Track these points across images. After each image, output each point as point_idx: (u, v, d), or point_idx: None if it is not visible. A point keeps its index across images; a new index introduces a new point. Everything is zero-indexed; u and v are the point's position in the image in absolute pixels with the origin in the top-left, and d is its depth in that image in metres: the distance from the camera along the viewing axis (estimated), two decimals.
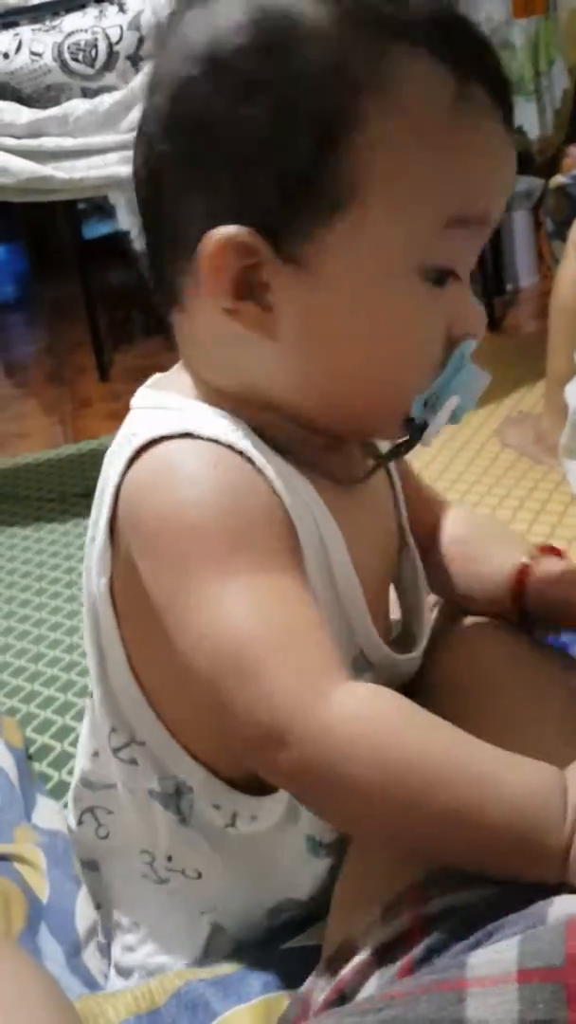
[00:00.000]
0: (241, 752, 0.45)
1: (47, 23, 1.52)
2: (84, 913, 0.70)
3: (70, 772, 1.00)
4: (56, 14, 1.53)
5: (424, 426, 0.50)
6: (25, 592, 1.49)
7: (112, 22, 1.49)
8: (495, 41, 2.23)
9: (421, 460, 1.70)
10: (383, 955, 0.42)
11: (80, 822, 0.63)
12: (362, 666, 0.57)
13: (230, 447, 0.47)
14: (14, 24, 1.54)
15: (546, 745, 0.44)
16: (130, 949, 0.62)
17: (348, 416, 0.51)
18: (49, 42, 1.49)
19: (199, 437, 0.46)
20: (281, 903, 0.59)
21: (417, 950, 0.40)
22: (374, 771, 0.40)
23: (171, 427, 0.47)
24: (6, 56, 1.50)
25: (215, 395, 0.50)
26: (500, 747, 0.42)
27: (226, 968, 0.56)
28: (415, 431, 0.51)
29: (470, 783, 0.40)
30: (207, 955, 0.60)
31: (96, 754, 0.60)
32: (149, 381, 0.55)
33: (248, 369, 0.49)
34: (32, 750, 1.07)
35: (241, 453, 0.47)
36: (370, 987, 0.42)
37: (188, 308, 0.49)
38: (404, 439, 0.53)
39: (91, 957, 0.69)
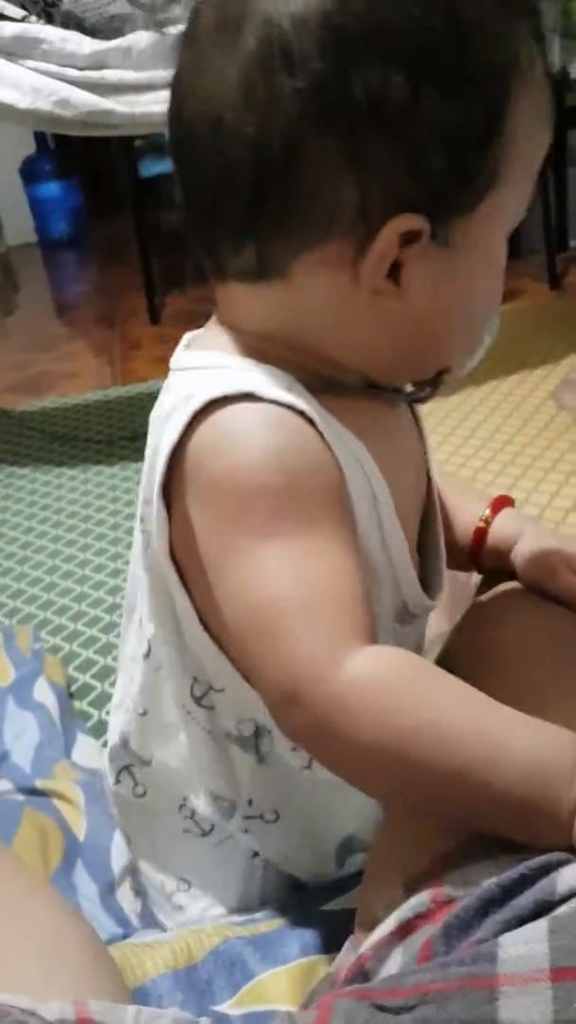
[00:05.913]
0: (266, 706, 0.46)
1: None
2: (120, 851, 0.71)
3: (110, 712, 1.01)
4: None
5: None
6: (71, 532, 1.50)
7: None
8: None
9: (472, 421, 1.67)
10: (404, 932, 0.42)
11: (118, 780, 0.64)
12: (406, 618, 0.59)
13: (291, 407, 0.47)
14: None
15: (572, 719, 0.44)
16: (180, 909, 0.62)
17: (421, 364, 0.53)
18: None
19: (261, 399, 0.47)
20: (346, 840, 0.61)
21: (436, 927, 0.40)
22: (382, 733, 0.41)
23: (231, 387, 0.47)
24: None
25: (264, 352, 0.50)
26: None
27: (264, 926, 0.56)
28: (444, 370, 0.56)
29: (479, 741, 0.41)
30: (262, 902, 0.61)
31: (144, 712, 0.61)
32: (184, 341, 0.56)
33: (356, 337, 0.49)
34: (74, 688, 1.09)
35: (302, 413, 0.47)
36: (392, 964, 0.42)
37: (297, 283, 0.48)
38: (433, 377, 0.56)
39: (125, 896, 0.70)
